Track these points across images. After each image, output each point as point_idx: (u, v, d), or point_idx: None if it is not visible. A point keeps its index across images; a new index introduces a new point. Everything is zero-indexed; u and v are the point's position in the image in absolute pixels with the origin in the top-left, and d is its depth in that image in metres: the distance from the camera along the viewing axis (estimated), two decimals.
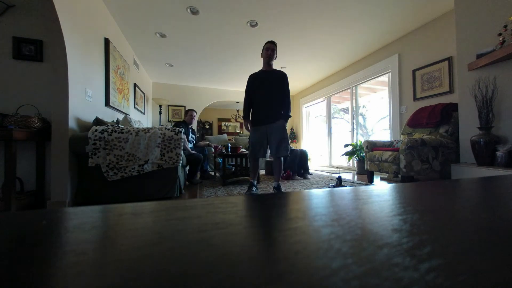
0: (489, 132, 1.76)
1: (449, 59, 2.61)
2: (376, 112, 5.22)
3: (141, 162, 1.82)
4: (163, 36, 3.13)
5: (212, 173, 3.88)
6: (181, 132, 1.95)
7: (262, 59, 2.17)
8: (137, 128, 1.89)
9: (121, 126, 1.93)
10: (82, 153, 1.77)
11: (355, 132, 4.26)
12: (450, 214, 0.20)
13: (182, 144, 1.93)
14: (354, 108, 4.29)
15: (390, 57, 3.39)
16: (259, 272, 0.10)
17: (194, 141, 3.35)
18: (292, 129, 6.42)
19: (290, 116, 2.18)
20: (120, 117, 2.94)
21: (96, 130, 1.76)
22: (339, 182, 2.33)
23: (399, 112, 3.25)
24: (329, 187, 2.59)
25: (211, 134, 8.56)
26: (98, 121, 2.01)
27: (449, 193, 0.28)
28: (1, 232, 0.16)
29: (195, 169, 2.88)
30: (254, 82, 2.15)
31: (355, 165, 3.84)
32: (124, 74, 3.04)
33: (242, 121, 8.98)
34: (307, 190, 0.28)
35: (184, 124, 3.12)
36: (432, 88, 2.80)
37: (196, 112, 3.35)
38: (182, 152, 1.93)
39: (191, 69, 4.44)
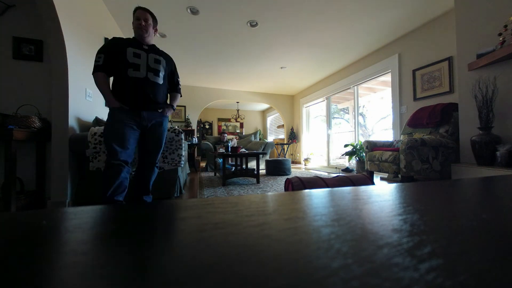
0: (489, 132, 1.75)
1: (449, 59, 2.61)
2: (376, 112, 5.23)
3: None
4: (163, 36, 3.13)
5: (211, 174, 3.88)
6: (181, 132, 1.95)
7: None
8: None
9: None
10: (82, 153, 1.77)
11: (356, 132, 4.26)
12: (450, 214, 0.20)
13: (183, 144, 1.93)
14: (355, 108, 4.29)
15: (390, 57, 3.39)
16: (259, 271, 0.10)
17: None
18: (292, 129, 6.43)
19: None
20: None
21: (95, 134, 1.73)
22: None
23: (399, 112, 3.25)
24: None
25: (211, 134, 8.56)
26: (98, 121, 2.01)
27: (449, 193, 0.28)
28: (1, 232, 0.16)
29: None
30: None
31: (355, 165, 3.84)
32: None
33: (242, 120, 8.96)
34: (307, 190, 0.28)
35: None
36: (432, 88, 2.80)
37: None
38: (183, 153, 1.93)
39: (191, 69, 4.44)
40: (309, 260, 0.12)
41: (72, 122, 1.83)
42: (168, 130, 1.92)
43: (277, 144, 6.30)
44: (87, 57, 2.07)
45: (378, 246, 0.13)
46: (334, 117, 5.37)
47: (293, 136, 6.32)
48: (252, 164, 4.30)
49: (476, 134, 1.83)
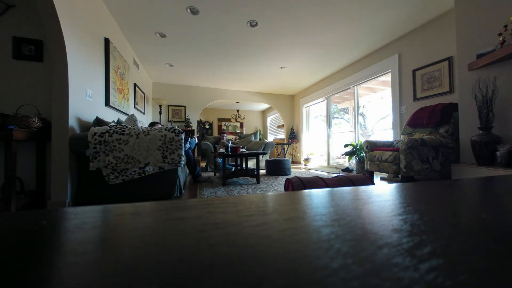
0: (489, 132, 1.75)
1: (449, 59, 2.61)
2: (376, 112, 5.23)
3: (142, 165, 1.81)
4: (163, 36, 3.13)
5: (211, 174, 3.86)
6: (181, 132, 1.94)
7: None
8: (138, 130, 1.88)
9: (124, 125, 1.92)
10: (82, 153, 1.77)
11: (356, 132, 4.26)
12: (450, 214, 0.20)
13: (183, 144, 1.93)
14: (355, 108, 4.29)
15: (390, 57, 3.39)
16: (259, 271, 0.10)
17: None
18: (292, 129, 6.43)
19: None
20: (120, 116, 2.94)
21: (95, 134, 1.73)
22: None
23: (399, 112, 3.25)
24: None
25: (211, 134, 8.56)
26: (98, 121, 2.00)
27: (449, 193, 0.28)
28: (1, 232, 0.16)
29: (192, 168, 2.88)
30: None
31: (355, 165, 3.84)
32: (124, 74, 3.04)
33: (242, 120, 8.96)
34: (307, 190, 0.28)
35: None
36: (432, 88, 2.80)
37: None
38: (183, 153, 1.93)
39: (191, 69, 4.44)
40: (309, 260, 0.12)
41: (72, 122, 1.83)
42: (168, 130, 1.92)
43: (277, 144, 6.30)
44: (87, 57, 2.07)
45: (378, 246, 0.13)
46: (334, 117, 5.37)
47: (293, 136, 6.31)
48: (252, 164, 4.30)
49: (476, 134, 1.83)
